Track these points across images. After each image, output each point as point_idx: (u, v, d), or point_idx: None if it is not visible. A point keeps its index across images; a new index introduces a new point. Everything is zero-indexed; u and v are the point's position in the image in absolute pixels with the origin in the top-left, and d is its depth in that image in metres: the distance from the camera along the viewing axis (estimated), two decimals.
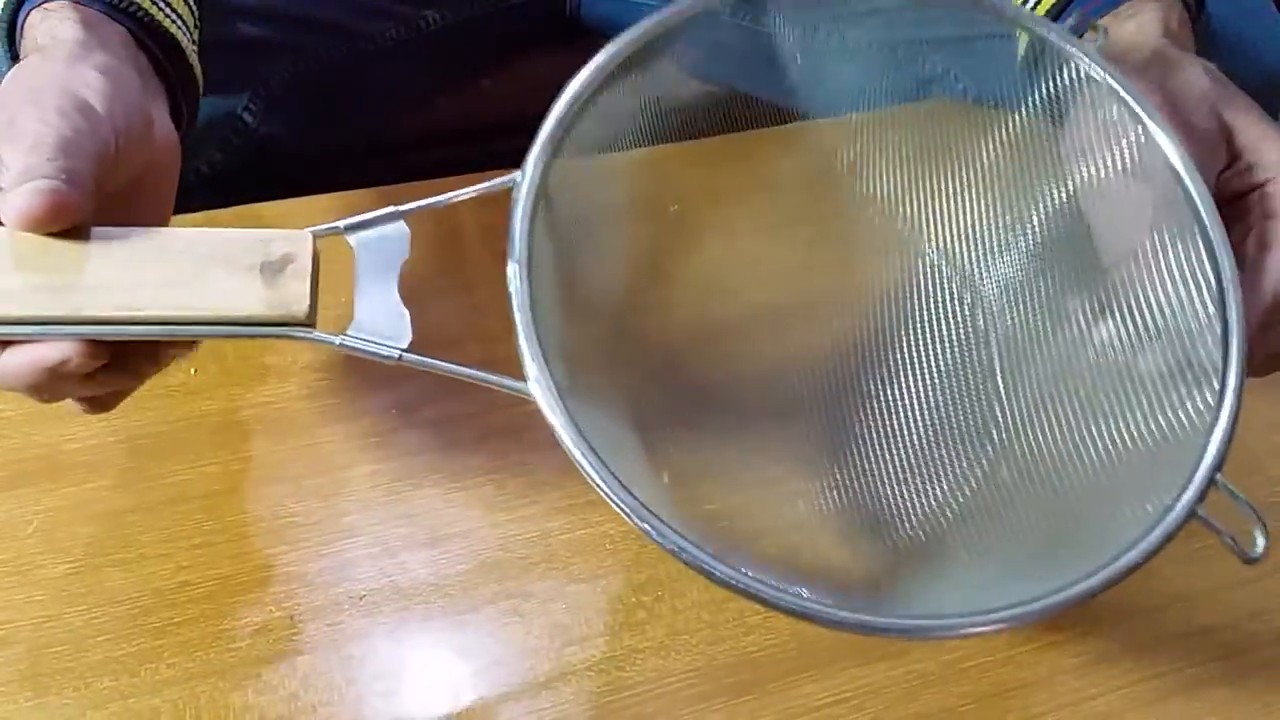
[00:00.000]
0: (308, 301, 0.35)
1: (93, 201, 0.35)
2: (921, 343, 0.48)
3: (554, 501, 0.47)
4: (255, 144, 0.69)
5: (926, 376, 0.47)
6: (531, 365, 0.35)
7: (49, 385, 0.35)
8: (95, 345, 0.34)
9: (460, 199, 0.38)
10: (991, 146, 0.49)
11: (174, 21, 0.45)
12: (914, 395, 0.47)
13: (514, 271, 0.36)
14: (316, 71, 0.71)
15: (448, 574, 0.45)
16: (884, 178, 0.50)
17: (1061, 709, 0.41)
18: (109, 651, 0.42)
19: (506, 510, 0.47)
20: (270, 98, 0.69)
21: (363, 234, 0.37)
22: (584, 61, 0.45)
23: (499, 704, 0.41)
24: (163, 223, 0.41)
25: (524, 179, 0.37)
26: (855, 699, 0.41)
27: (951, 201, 0.50)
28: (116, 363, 0.36)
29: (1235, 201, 0.43)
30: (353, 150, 0.75)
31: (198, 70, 0.46)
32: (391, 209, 0.37)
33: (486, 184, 0.38)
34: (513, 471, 0.49)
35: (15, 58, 0.44)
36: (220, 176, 0.65)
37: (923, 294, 0.49)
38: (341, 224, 0.37)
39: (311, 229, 0.36)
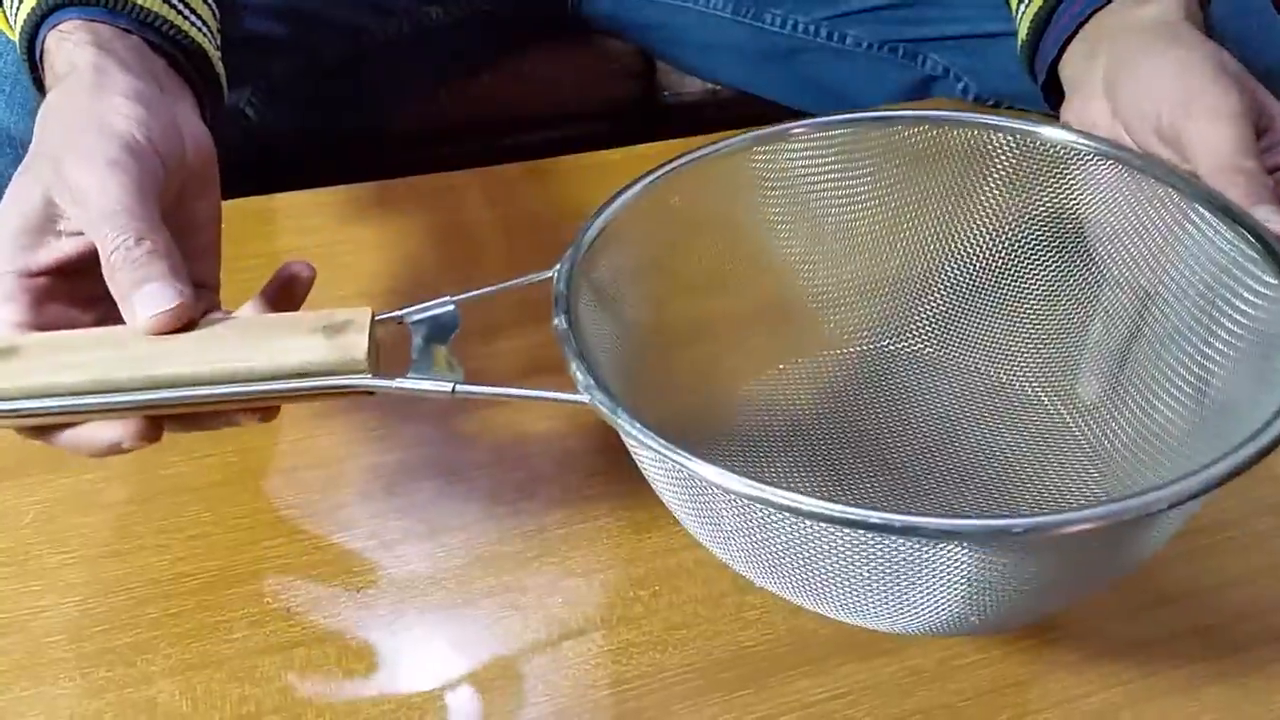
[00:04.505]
0: (365, 348, 0.37)
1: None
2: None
3: (552, 495, 0.48)
4: (256, 138, 0.69)
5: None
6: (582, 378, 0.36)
7: (109, 454, 0.39)
8: (147, 424, 0.38)
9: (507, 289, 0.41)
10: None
11: (198, 28, 0.45)
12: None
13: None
14: (319, 66, 0.71)
15: (445, 567, 0.45)
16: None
17: (1057, 706, 0.41)
18: (105, 642, 0.42)
19: (504, 504, 0.47)
20: (272, 92, 0.69)
21: (419, 316, 0.39)
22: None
23: (495, 698, 0.41)
24: (215, 214, 0.44)
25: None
26: (851, 694, 0.41)
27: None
28: (179, 426, 0.40)
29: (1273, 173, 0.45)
30: (354, 145, 0.75)
31: (223, 76, 0.47)
32: (448, 298, 0.40)
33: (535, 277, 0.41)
34: (511, 465, 0.49)
35: (40, 82, 0.44)
36: (221, 170, 0.66)
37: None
38: (400, 312, 0.39)
39: (371, 311, 0.38)
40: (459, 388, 0.37)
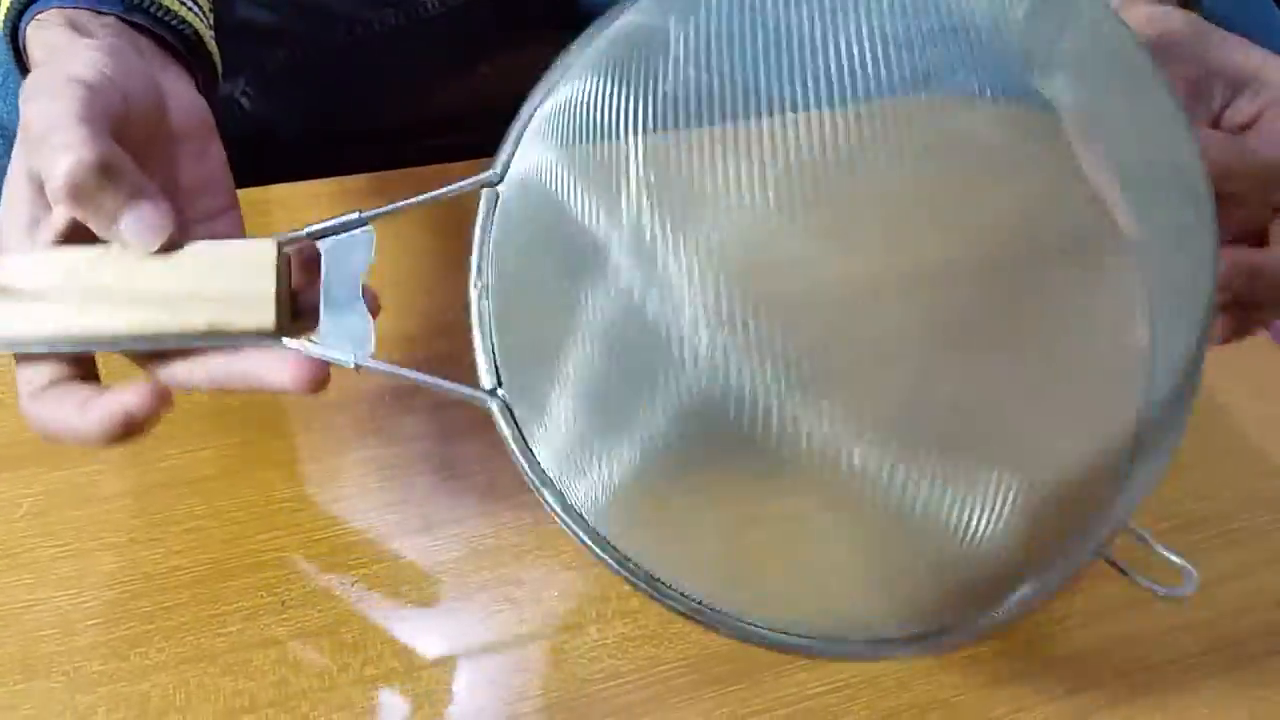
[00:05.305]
0: (273, 314, 0.36)
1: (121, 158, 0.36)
2: None
3: None
4: (250, 128, 0.69)
5: None
6: (486, 377, 0.36)
7: (124, 436, 0.36)
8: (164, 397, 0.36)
9: (430, 201, 0.38)
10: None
11: (189, 8, 0.45)
12: None
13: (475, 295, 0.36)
14: (313, 56, 0.71)
15: (440, 561, 0.45)
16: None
17: (1052, 701, 0.41)
18: (98, 636, 0.42)
19: (500, 498, 0.47)
20: (266, 82, 0.69)
21: (330, 240, 0.37)
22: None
23: (491, 692, 0.41)
24: (219, 173, 0.42)
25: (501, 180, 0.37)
26: (848, 688, 0.41)
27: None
28: None
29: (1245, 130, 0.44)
30: (349, 135, 0.75)
31: (216, 57, 0.47)
32: (357, 214, 0.37)
33: (462, 184, 0.38)
34: (506, 459, 0.48)
35: (26, 73, 0.44)
36: None
37: None
38: (304, 231, 0.37)
39: (276, 237, 0.37)
40: (361, 363, 0.36)
